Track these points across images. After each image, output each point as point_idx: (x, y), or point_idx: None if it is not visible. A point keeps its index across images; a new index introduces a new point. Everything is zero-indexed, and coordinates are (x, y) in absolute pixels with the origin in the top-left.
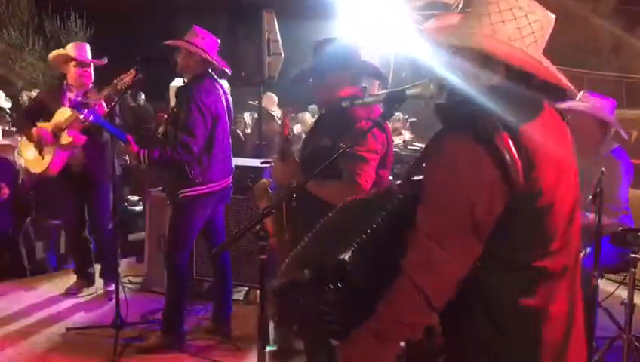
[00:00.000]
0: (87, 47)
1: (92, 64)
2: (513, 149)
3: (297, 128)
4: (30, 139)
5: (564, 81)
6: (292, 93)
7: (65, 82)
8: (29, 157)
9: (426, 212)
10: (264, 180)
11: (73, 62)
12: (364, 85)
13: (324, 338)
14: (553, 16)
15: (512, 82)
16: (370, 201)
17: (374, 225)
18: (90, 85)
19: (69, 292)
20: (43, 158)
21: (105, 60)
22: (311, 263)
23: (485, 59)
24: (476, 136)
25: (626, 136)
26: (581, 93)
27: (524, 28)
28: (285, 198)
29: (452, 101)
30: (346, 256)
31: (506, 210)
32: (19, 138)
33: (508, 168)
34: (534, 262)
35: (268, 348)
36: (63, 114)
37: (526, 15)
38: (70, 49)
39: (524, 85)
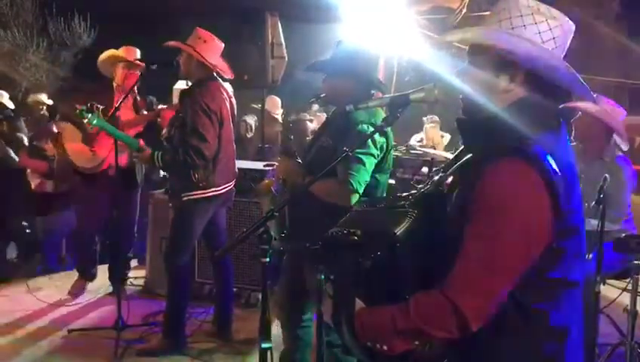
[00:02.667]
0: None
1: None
2: (559, 175)
3: (312, 126)
4: (81, 128)
5: (585, 87)
6: (295, 97)
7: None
8: (75, 149)
9: (481, 238)
10: (267, 181)
11: (122, 64)
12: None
13: (350, 296)
14: (573, 25)
15: (530, 91)
16: (382, 209)
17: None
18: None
19: (74, 293)
20: (94, 154)
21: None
22: (364, 227)
23: (503, 63)
24: (531, 164)
25: (625, 148)
26: (595, 95)
27: (544, 33)
28: (288, 201)
29: (476, 118)
30: (399, 231)
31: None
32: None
33: (559, 195)
34: (563, 273)
35: (264, 345)
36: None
37: (546, 20)
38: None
39: (541, 92)
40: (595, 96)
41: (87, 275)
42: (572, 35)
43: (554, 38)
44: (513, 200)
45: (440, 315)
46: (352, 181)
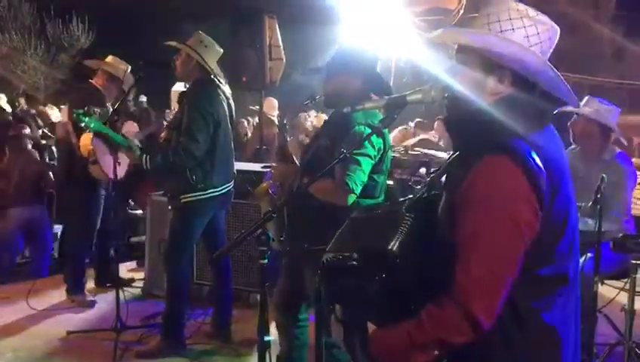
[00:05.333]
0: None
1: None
2: (543, 169)
3: (310, 123)
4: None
5: (570, 92)
6: (293, 99)
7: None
8: (108, 162)
9: (475, 238)
10: (264, 183)
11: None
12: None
13: (361, 320)
14: (558, 30)
15: (518, 90)
16: (380, 215)
17: (409, 225)
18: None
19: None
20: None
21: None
22: (360, 247)
23: (491, 65)
24: (513, 159)
25: (625, 143)
26: (586, 97)
27: (532, 37)
28: (287, 202)
29: (461, 116)
30: (394, 247)
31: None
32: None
33: (541, 188)
34: (554, 270)
35: (266, 338)
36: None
37: (535, 25)
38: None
39: (529, 93)
40: (587, 98)
41: (81, 287)
42: (557, 39)
43: (541, 43)
44: (498, 196)
45: (453, 322)
46: (348, 181)
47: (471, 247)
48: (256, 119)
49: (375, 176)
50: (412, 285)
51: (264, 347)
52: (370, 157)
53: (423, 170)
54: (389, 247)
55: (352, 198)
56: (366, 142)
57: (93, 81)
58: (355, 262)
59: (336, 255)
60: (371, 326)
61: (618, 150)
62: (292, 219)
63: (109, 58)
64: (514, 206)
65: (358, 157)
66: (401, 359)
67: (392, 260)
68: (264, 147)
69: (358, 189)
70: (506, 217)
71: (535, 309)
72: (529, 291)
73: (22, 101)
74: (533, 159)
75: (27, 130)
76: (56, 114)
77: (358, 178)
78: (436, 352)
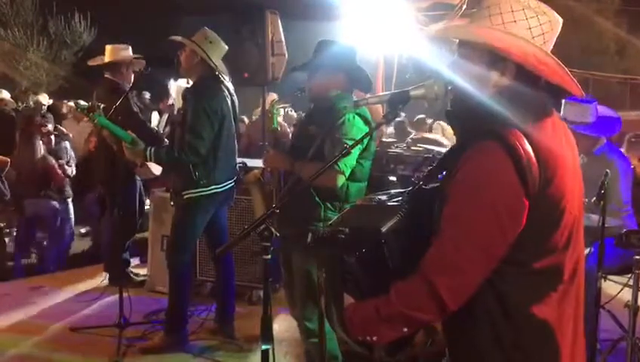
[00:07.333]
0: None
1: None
2: (533, 158)
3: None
4: None
5: (574, 82)
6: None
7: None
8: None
9: (453, 218)
10: (255, 170)
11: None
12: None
13: (340, 292)
14: (561, 20)
15: (520, 83)
16: (381, 203)
17: (403, 214)
18: None
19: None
20: None
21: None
22: (354, 225)
23: (494, 58)
24: (503, 146)
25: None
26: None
27: (534, 28)
28: (288, 196)
29: (462, 108)
30: (385, 228)
31: (526, 216)
32: None
33: (528, 176)
34: (546, 263)
35: (264, 347)
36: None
37: (537, 16)
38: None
39: (531, 86)
40: (563, 102)
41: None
42: (559, 29)
43: (543, 34)
44: (481, 180)
45: (417, 296)
46: (338, 163)
47: (446, 226)
48: (254, 117)
49: (362, 162)
50: (397, 271)
51: (266, 343)
52: (359, 144)
53: None
54: (381, 228)
55: (341, 180)
56: (356, 128)
57: (108, 76)
58: (343, 236)
59: (330, 229)
60: (348, 299)
61: (605, 141)
62: (284, 216)
63: (108, 48)
64: (497, 191)
65: (348, 142)
66: (370, 332)
67: (378, 240)
68: (267, 143)
69: (348, 171)
70: (488, 200)
71: (525, 303)
72: (519, 284)
73: (30, 98)
74: (524, 147)
75: (50, 127)
76: (45, 100)
77: (348, 161)
78: (405, 329)
